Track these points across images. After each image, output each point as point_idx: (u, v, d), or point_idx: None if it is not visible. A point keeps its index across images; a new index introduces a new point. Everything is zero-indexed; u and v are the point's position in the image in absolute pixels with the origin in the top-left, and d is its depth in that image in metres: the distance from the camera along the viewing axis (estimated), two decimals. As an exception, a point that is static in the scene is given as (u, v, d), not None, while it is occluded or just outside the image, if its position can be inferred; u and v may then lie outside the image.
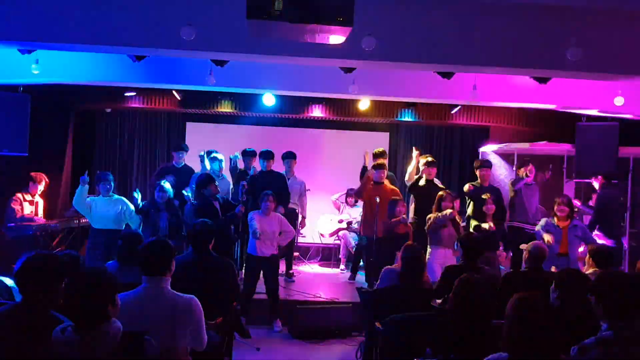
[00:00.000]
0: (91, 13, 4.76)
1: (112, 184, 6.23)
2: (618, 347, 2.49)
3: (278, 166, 7.43)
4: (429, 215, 6.17)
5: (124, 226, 6.16)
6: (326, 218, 8.83)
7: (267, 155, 7.13)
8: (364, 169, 7.35)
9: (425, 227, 6.20)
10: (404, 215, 6.48)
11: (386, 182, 7.09)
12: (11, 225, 6.72)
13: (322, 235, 8.92)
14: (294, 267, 7.81)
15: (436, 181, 7.11)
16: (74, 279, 2.42)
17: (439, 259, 5.99)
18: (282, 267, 7.26)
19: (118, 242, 4.30)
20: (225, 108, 8.49)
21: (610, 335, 2.53)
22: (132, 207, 6.13)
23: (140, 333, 2.44)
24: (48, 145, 7.89)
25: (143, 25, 4.78)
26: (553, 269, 5.20)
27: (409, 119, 8.63)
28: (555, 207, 6.06)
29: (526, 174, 6.88)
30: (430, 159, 7.13)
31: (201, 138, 8.95)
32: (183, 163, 7.43)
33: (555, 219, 5.99)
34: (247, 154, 7.40)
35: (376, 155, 7.40)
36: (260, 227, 5.88)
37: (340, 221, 8.70)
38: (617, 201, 7.13)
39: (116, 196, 6.25)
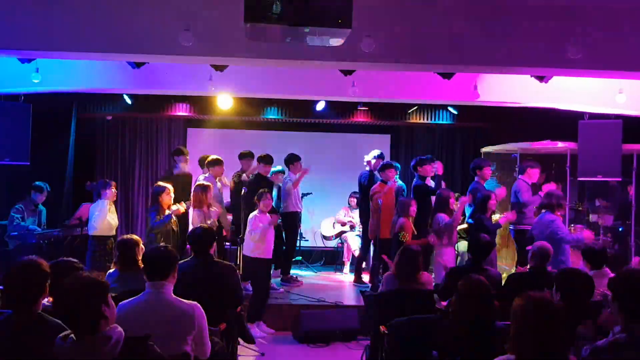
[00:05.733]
0: (89, 21, 4.76)
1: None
2: (632, 351, 2.41)
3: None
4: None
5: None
6: (329, 221, 8.80)
7: (267, 160, 7.07)
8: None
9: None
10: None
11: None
12: (14, 234, 6.71)
13: (324, 238, 8.89)
14: (296, 271, 7.78)
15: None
16: (64, 285, 2.39)
17: (447, 258, 5.92)
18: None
19: (116, 250, 4.26)
20: (227, 113, 8.49)
21: (624, 338, 2.44)
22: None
23: (143, 337, 2.42)
24: (50, 154, 7.87)
25: (141, 32, 4.78)
26: None
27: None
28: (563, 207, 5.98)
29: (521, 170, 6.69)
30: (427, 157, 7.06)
31: (202, 144, 8.95)
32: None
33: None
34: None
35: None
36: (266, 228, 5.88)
37: (343, 224, 8.66)
38: None
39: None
